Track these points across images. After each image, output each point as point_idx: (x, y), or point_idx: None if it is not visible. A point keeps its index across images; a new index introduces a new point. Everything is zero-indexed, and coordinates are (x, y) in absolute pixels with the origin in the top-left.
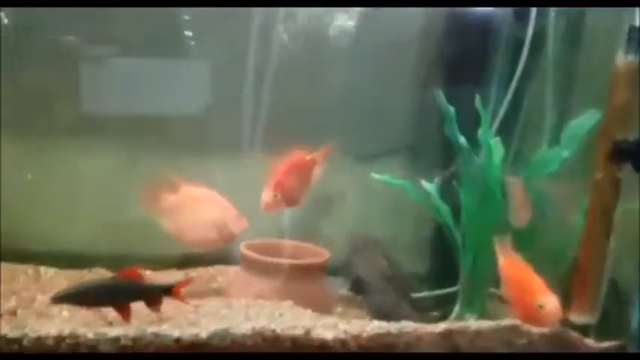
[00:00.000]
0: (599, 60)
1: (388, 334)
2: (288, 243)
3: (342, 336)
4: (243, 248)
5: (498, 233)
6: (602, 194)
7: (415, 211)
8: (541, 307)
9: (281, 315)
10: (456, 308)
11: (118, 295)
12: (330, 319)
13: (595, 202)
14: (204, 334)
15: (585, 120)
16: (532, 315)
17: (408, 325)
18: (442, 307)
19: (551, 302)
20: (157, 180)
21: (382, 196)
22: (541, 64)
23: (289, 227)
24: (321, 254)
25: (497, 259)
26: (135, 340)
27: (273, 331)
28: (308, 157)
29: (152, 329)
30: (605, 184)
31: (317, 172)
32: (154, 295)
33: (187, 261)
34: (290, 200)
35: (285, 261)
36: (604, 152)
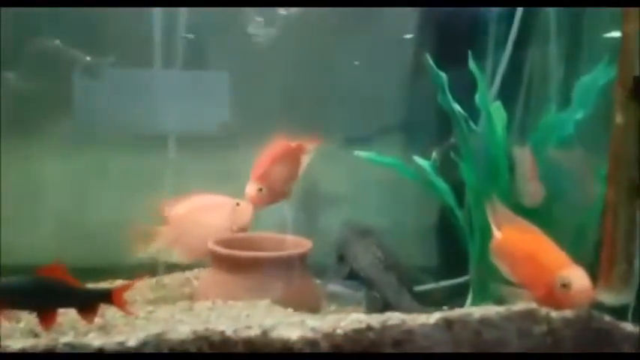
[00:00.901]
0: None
1: (369, 329)
2: (264, 235)
3: (309, 335)
4: (210, 244)
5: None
6: (624, 143)
7: (416, 195)
8: (565, 285)
9: (248, 316)
10: (468, 300)
11: (40, 298)
12: (296, 317)
13: (617, 155)
14: (132, 343)
15: (599, 74)
16: (553, 298)
17: (394, 317)
18: (452, 301)
19: (578, 278)
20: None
21: (379, 181)
22: (542, 19)
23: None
24: (302, 245)
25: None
26: (44, 354)
27: (222, 333)
28: (293, 145)
29: (66, 339)
30: (628, 130)
31: (304, 160)
32: (87, 302)
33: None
34: (277, 193)
35: (256, 254)
36: (624, 92)
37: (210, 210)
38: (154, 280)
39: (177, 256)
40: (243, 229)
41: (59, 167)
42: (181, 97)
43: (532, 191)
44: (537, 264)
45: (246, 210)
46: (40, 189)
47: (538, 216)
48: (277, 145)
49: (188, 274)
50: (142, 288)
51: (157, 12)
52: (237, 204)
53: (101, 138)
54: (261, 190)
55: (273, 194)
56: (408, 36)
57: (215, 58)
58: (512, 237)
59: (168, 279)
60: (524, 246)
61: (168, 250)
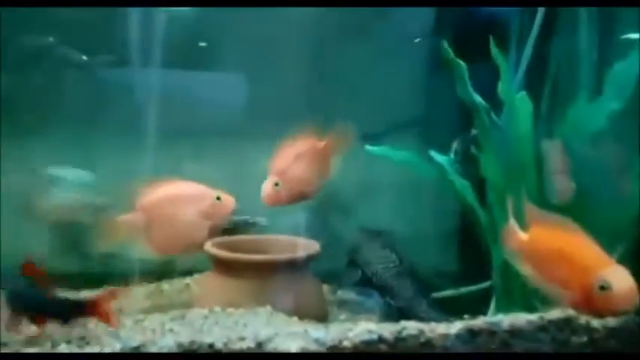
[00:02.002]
0: None
1: (381, 341)
2: (270, 238)
3: (312, 347)
4: (209, 246)
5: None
6: None
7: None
8: (604, 287)
9: (245, 325)
10: (491, 308)
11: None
12: (298, 326)
13: None
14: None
15: (634, 60)
16: (591, 302)
17: (410, 327)
18: (474, 308)
19: (619, 279)
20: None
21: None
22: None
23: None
24: (309, 247)
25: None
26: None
27: (211, 345)
28: (321, 144)
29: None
30: None
31: (334, 161)
32: (59, 312)
33: (162, 272)
34: (296, 193)
35: (257, 257)
36: None
37: (185, 201)
38: (152, 285)
39: (143, 251)
40: (219, 226)
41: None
42: (188, 96)
43: (561, 187)
44: (572, 263)
45: (226, 205)
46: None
47: (569, 214)
48: (302, 140)
49: (188, 279)
50: (137, 295)
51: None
52: (218, 197)
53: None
54: (277, 185)
55: (291, 193)
56: (426, 28)
57: (226, 56)
58: (541, 235)
59: (167, 285)
60: (556, 244)
61: (135, 242)
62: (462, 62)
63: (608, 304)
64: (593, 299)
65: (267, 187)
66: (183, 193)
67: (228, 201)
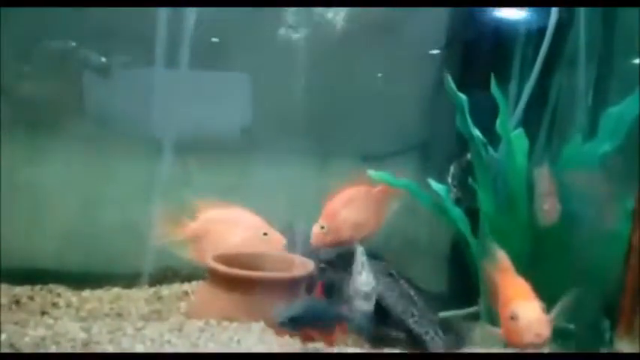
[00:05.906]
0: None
1: None
2: (266, 254)
3: None
4: (209, 260)
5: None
6: None
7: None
8: (512, 318)
9: (239, 342)
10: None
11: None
12: (289, 345)
13: None
14: None
15: (628, 106)
16: (508, 333)
17: (396, 353)
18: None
19: (527, 311)
20: (172, 207)
21: None
22: (570, 45)
23: None
24: (305, 266)
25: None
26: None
27: None
28: (375, 190)
29: None
30: None
31: (390, 206)
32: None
33: (162, 277)
34: (342, 237)
35: (253, 274)
36: None
37: (241, 228)
38: (151, 290)
39: (188, 254)
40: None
41: (66, 170)
42: (195, 100)
43: (548, 208)
44: (500, 298)
45: (273, 242)
46: (45, 192)
47: (554, 240)
48: (357, 186)
49: (186, 286)
50: (138, 299)
51: (169, 11)
52: (265, 233)
53: (111, 141)
54: (323, 228)
55: (337, 237)
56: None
57: (231, 68)
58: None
59: (166, 290)
60: (496, 281)
61: (185, 245)
62: (463, 96)
63: (515, 334)
64: (508, 330)
65: (314, 229)
66: (242, 218)
67: (278, 241)
